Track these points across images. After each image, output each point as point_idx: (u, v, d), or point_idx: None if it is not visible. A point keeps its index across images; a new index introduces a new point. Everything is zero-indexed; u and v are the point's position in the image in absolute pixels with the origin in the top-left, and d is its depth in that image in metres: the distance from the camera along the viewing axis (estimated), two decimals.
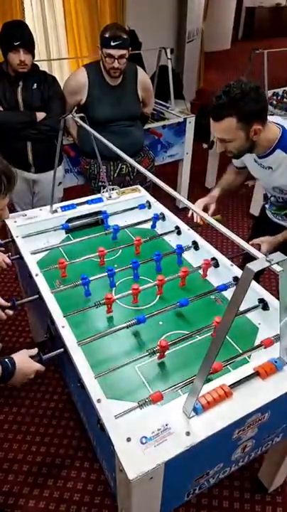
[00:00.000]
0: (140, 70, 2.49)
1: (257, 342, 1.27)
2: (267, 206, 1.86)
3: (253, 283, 1.39)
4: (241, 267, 1.58)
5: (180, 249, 1.61)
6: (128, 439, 0.93)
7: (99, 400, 1.03)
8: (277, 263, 0.85)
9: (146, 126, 2.89)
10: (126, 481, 0.89)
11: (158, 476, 0.92)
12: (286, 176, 1.54)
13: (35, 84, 2.19)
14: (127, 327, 1.25)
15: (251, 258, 0.86)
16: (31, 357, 1.17)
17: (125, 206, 1.93)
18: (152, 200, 1.96)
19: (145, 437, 0.93)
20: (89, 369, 1.11)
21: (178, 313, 1.40)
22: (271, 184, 1.65)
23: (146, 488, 0.92)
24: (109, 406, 1.02)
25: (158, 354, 1.19)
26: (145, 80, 2.54)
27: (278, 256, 0.87)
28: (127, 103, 2.41)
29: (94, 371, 1.11)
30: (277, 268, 0.86)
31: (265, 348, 1.18)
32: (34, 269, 1.48)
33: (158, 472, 0.91)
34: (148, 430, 0.95)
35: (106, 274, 1.47)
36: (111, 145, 1.34)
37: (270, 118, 1.48)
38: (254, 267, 0.79)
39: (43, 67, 2.38)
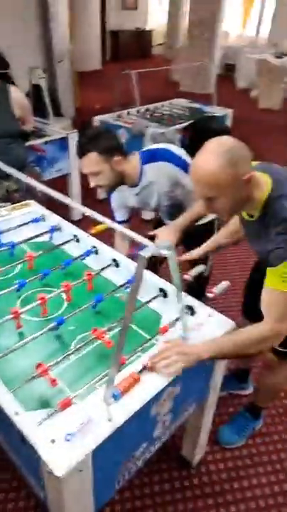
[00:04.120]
0: (13, 88, 2.48)
1: (161, 327, 1.39)
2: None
3: (152, 275, 1.52)
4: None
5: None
6: (53, 441, 0.94)
7: (16, 413, 1.01)
8: (164, 248, 0.98)
9: (29, 143, 2.88)
10: (55, 481, 0.90)
11: (86, 467, 0.95)
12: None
13: None
14: (46, 332, 1.27)
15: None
16: None
17: (18, 222, 1.91)
18: (47, 212, 1.97)
19: (70, 434, 0.95)
20: (1, 385, 1.08)
21: (88, 315, 1.44)
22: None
23: (77, 481, 0.94)
24: (28, 417, 1.01)
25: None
26: (20, 97, 2.53)
27: (164, 242, 1.01)
28: (1, 121, 2.39)
29: (8, 386, 1.08)
30: (164, 252, 0.98)
31: (163, 334, 1.31)
32: None
33: (86, 462, 0.94)
34: (71, 427, 0.97)
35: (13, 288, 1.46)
36: None
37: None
38: (145, 253, 0.90)
39: None
